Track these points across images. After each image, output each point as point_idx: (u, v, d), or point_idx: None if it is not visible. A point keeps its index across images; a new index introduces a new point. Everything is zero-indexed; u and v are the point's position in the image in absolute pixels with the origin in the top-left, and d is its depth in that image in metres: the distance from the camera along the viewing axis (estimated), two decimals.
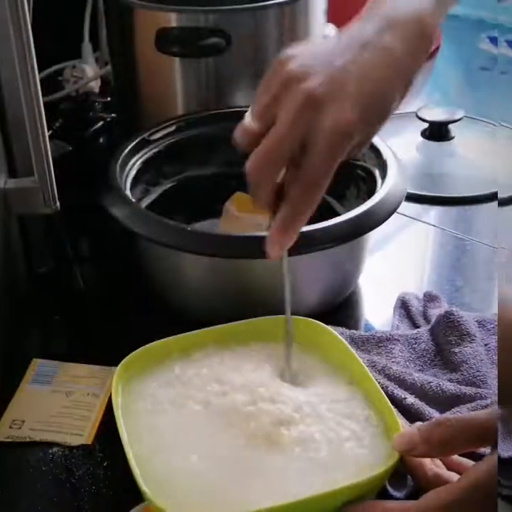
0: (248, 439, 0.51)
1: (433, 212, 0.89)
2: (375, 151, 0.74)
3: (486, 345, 0.66)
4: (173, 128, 0.78)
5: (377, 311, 0.74)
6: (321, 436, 0.52)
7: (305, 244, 0.63)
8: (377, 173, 0.73)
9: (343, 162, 0.51)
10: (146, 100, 0.88)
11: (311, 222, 0.64)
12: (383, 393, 0.54)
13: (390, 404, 0.53)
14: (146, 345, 0.57)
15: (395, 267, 0.80)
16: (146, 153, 0.75)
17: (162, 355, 0.57)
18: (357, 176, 0.75)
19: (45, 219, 0.70)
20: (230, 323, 0.59)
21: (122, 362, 0.56)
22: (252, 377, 0.56)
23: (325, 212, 0.74)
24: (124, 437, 0.51)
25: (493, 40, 1.25)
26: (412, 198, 0.89)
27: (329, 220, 0.65)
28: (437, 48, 1.25)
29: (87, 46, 1.01)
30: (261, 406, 0.53)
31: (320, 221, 0.65)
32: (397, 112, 1.04)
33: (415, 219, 0.87)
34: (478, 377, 0.62)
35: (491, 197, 0.90)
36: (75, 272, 0.75)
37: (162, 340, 0.58)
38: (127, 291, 0.75)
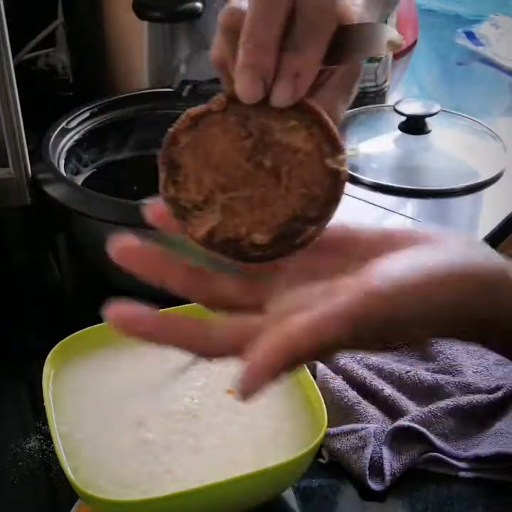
0: (175, 422, 0.52)
1: (410, 205, 0.89)
2: None
3: None
4: (87, 114, 0.77)
5: None
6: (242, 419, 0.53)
7: None
8: None
9: None
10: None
11: None
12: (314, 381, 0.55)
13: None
14: (78, 332, 0.57)
15: None
16: (67, 141, 0.75)
17: (95, 341, 0.57)
18: None
19: (21, 210, 0.69)
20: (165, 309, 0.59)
21: (54, 348, 0.56)
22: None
23: None
24: (53, 428, 0.51)
25: (469, 36, 1.26)
26: (389, 190, 0.89)
27: None
28: (415, 43, 1.25)
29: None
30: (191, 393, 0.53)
31: None
32: (375, 105, 1.08)
33: (392, 211, 0.87)
34: (454, 367, 0.63)
35: (467, 189, 0.91)
36: (52, 264, 0.74)
37: (94, 326, 0.57)
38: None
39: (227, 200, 0.34)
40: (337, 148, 0.34)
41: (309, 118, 0.34)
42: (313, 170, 0.34)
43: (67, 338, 0.57)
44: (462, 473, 0.56)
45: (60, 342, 0.56)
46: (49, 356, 0.55)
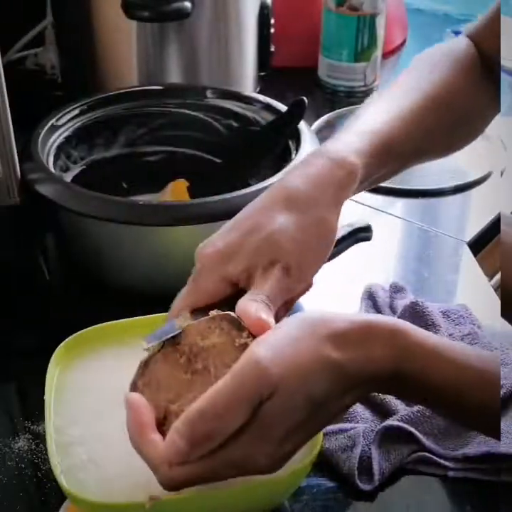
0: None
1: (399, 204, 0.89)
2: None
3: (450, 335, 0.66)
4: (76, 112, 0.77)
5: (344, 302, 0.74)
6: None
7: (210, 214, 0.64)
8: (291, 145, 0.74)
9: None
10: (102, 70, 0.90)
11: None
12: None
13: None
14: (84, 330, 0.57)
15: (362, 258, 0.81)
16: (57, 138, 0.75)
17: (101, 340, 0.57)
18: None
19: (10, 210, 0.69)
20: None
21: (58, 348, 0.55)
22: None
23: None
24: (50, 428, 0.50)
25: (458, 35, 1.26)
26: (378, 190, 0.89)
27: (238, 191, 0.66)
28: (403, 42, 1.25)
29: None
30: None
31: None
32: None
33: (381, 211, 0.88)
34: None
35: (456, 189, 0.91)
36: (41, 264, 0.74)
37: (101, 324, 0.57)
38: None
39: (178, 408, 0.44)
40: (241, 329, 0.45)
41: (218, 318, 0.46)
42: (230, 352, 0.45)
43: (73, 335, 0.56)
44: (451, 473, 0.56)
45: (67, 339, 0.56)
46: (56, 352, 0.55)
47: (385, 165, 0.57)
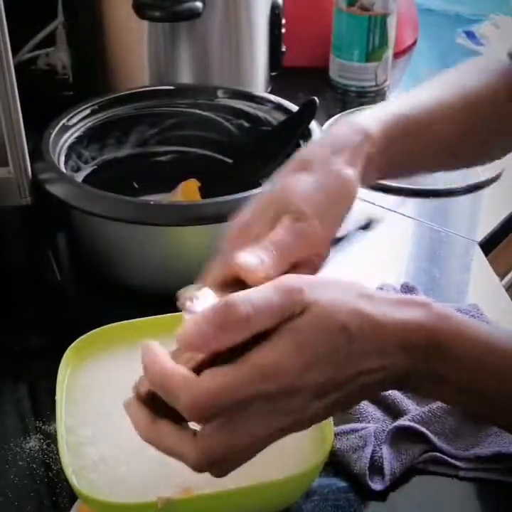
0: None
1: (410, 204, 0.89)
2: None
3: None
4: (87, 112, 0.78)
5: None
6: None
7: (221, 215, 0.63)
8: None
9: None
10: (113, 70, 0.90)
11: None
12: None
13: None
14: (96, 330, 0.57)
15: (372, 258, 0.80)
16: (68, 138, 0.75)
17: (112, 339, 0.57)
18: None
19: (21, 210, 0.69)
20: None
21: (69, 348, 0.56)
22: None
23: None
24: (61, 428, 0.50)
25: (470, 35, 1.26)
26: (389, 189, 0.89)
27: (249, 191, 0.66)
28: (415, 42, 1.25)
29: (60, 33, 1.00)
30: None
31: None
32: (375, 104, 1.08)
33: (392, 211, 0.88)
34: None
35: (467, 189, 0.91)
36: (52, 264, 0.74)
37: (112, 324, 0.58)
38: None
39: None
40: None
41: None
42: None
43: (84, 335, 0.57)
44: (462, 473, 0.56)
45: (77, 340, 0.56)
46: (67, 353, 0.55)
47: (413, 148, 0.56)
